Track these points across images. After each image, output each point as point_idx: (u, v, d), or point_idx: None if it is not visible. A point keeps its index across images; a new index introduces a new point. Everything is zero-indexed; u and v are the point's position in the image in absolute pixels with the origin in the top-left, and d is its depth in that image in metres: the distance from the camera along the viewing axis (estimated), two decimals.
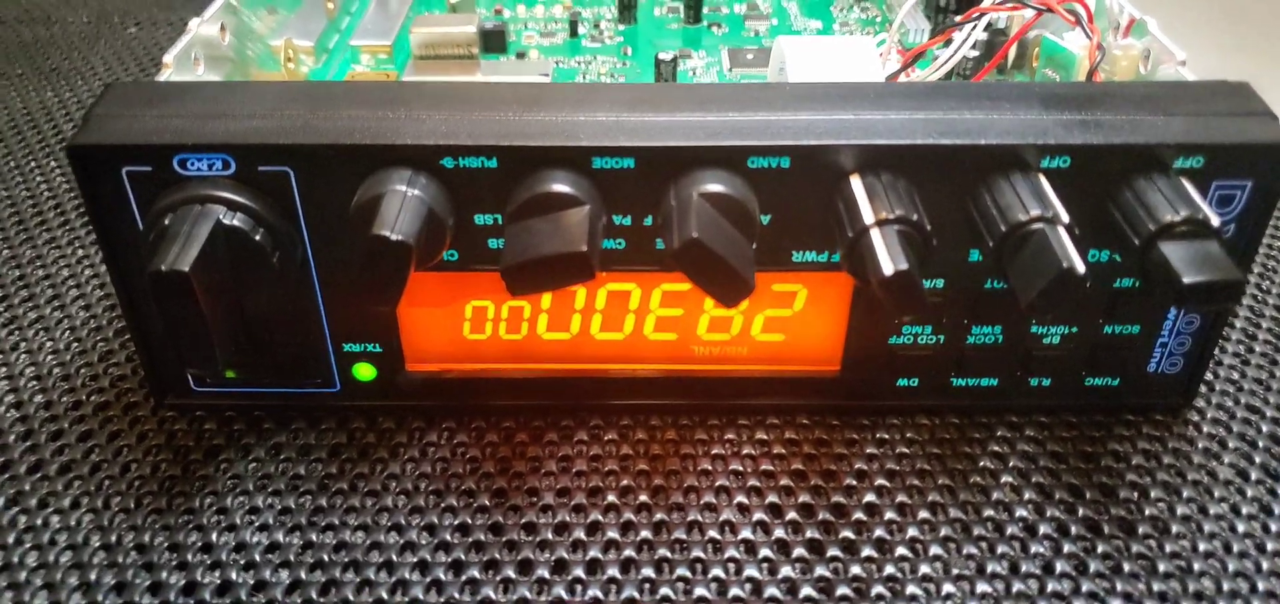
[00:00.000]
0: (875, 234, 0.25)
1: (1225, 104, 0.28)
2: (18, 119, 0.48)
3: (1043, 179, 0.27)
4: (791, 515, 0.29)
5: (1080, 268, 0.24)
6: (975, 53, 0.39)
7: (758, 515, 0.29)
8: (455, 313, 0.31)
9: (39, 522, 0.28)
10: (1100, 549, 0.28)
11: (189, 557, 0.27)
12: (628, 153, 0.27)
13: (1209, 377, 0.34)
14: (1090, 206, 0.27)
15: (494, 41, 0.47)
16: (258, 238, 0.27)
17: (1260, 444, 0.31)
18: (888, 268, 0.25)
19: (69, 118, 0.48)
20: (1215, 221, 0.26)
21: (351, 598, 0.26)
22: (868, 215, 0.26)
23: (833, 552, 0.28)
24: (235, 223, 0.27)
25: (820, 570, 0.27)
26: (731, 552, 0.28)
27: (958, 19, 0.36)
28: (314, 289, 0.29)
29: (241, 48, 0.39)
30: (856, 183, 0.27)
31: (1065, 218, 0.26)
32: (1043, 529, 0.28)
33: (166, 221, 0.26)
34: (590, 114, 0.28)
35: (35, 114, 0.48)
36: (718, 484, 0.30)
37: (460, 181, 0.27)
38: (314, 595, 0.27)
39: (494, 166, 0.27)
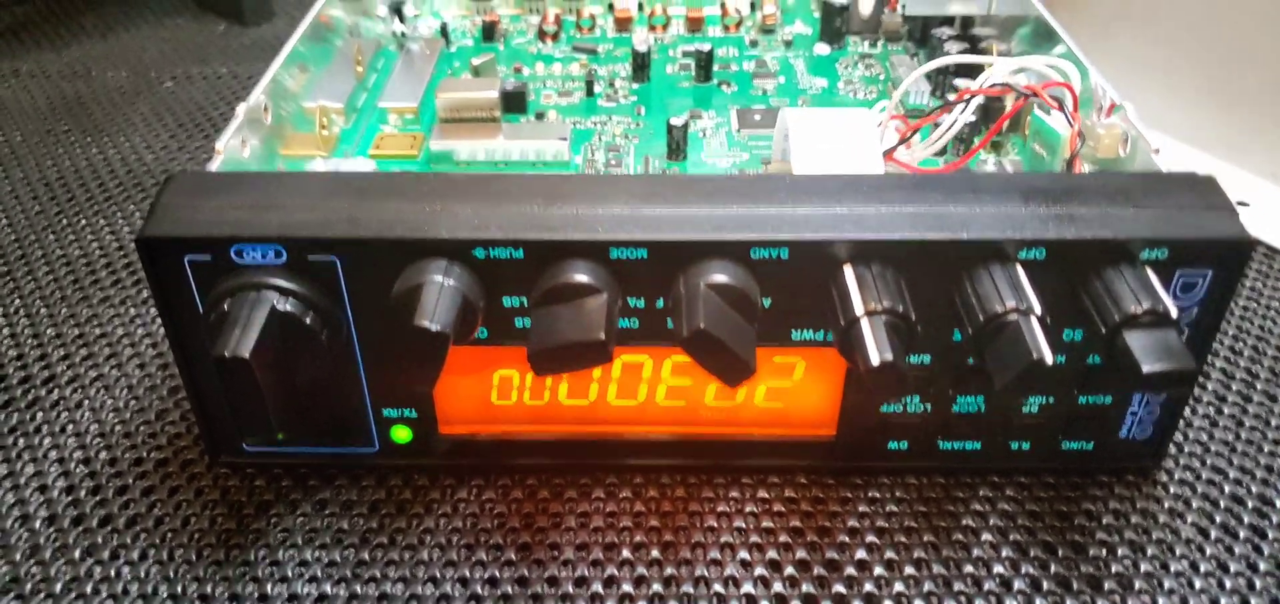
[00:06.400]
0: (865, 324, 0.28)
1: (1191, 197, 0.31)
2: (67, 176, 0.51)
3: (1020, 269, 0.29)
4: (789, 570, 0.32)
5: (1049, 359, 0.27)
6: (973, 118, 0.42)
7: (758, 570, 0.32)
8: (484, 381, 0.34)
9: (112, 573, 0.31)
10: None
11: None
12: (641, 245, 0.30)
13: (1179, 436, 0.36)
14: (1064, 291, 0.30)
15: (514, 103, 0.49)
16: (308, 321, 0.30)
17: (1222, 504, 0.34)
18: (875, 359, 0.27)
19: (113, 174, 0.51)
20: (1174, 313, 0.28)
21: None
22: (858, 306, 0.29)
23: None
24: (288, 308, 0.30)
25: None
26: None
27: (951, 99, 0.39)
28: (357, 362, 0.32)
29: (276, 109, 0.42)
30: (849, 273, 0.30)
31: (1038, 309, 0.28)
32: (1017, 585, 0.31)
33: (226, 307, 0.29)
34: (608, 207, 0.30)
35: (82, 171, 0.51)
36: (723, 540, 0.32)
37: (490, 270, 0.30)
38: None
39: (521, 256, 0.30)
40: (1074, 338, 0.32)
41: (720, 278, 0.29)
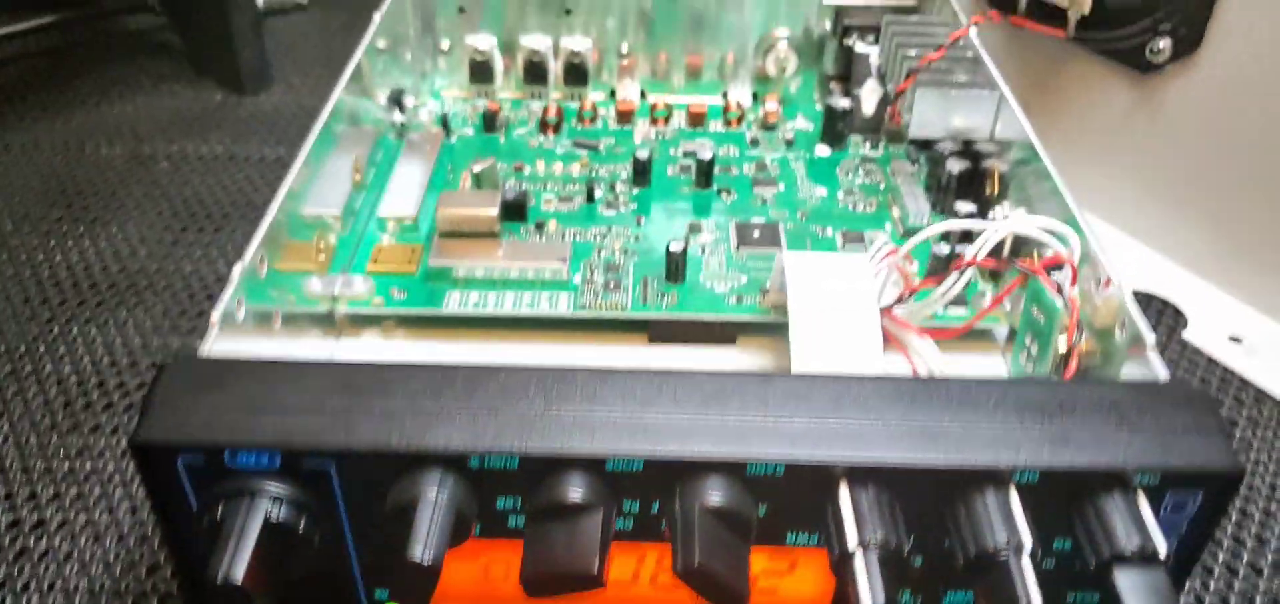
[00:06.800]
0: (858, 561, 0.28)
1: (1185, 417, 0.31)
2: (58, 274, 0.50)
3: (1014, 497, 0.30)
4: None
5: None
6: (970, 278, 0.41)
7: None
8: (477, 565, 0.34)
9: None
10: None
11: None
12: (637, 457, 0.30)
13: None
14: (1057, 510, 0.30)
15: (514, 211, 0.49)
16: (302, 528, 0.30)
17: None
18: None
19: (106, 272, 0.51)
20: (1164, 552, 0.29)
21: None
22: (852, 539, 0.29)
23: None
24: (282, 516, 0.30)
25: None
26: None
27: (949, 268, 0.39)
28: (349, 553, 0.32)
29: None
30: (845, 495, 0.30)
31: (1029, 545, 0.29)
32: None
33: (219, 513, 0.29)
34: (605, 410, 0.30)
35: (74, 267, 0.51)
36: None
37: (485, 476, 0.30)
38: None
39: (515, 466, 0.30)
40: (1064, 547, 0.32)
41: (716, 500, 0.29)
